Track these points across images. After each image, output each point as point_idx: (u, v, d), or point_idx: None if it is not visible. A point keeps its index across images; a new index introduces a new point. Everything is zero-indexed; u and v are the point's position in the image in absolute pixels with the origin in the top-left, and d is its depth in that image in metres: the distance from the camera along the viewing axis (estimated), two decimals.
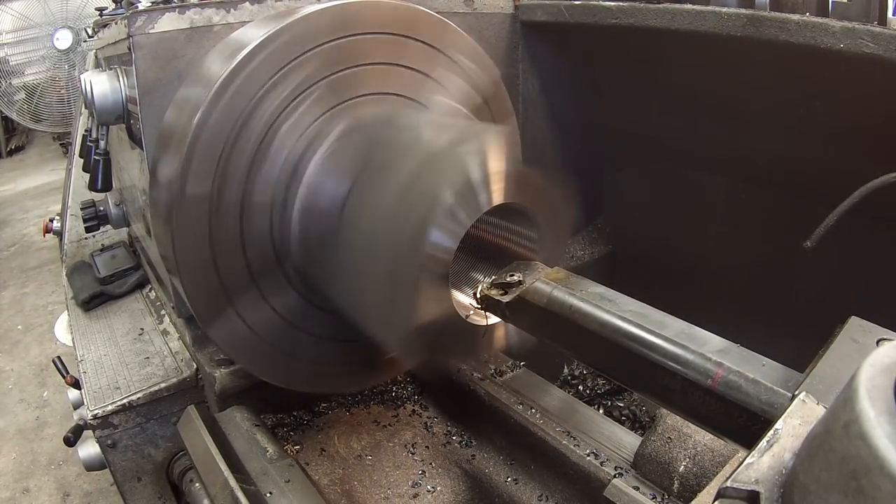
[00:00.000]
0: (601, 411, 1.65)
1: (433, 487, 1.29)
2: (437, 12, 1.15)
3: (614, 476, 1.16)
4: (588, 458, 1.21)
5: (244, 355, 1.17)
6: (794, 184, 1.53)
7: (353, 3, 1.06)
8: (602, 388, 1.79)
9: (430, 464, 1.34)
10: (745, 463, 0.45)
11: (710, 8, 1.32)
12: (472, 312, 0.94)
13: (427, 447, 1.37)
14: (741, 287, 1.72)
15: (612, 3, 1.42)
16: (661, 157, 1.76)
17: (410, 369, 1.42)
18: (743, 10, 1.30)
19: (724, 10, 1.31)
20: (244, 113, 0.99)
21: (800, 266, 1.57)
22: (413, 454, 1.36)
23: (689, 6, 1.34)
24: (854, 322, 0.64)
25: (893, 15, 1.52)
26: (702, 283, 1.76)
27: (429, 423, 1.43)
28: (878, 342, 0.61)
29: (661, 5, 1.36)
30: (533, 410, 1.30)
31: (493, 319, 0.93)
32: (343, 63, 1.03)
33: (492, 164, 0.84)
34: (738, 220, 1.71)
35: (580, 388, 1.80)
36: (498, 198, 0.86)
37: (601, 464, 1.19)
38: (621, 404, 1.74)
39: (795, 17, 1.24)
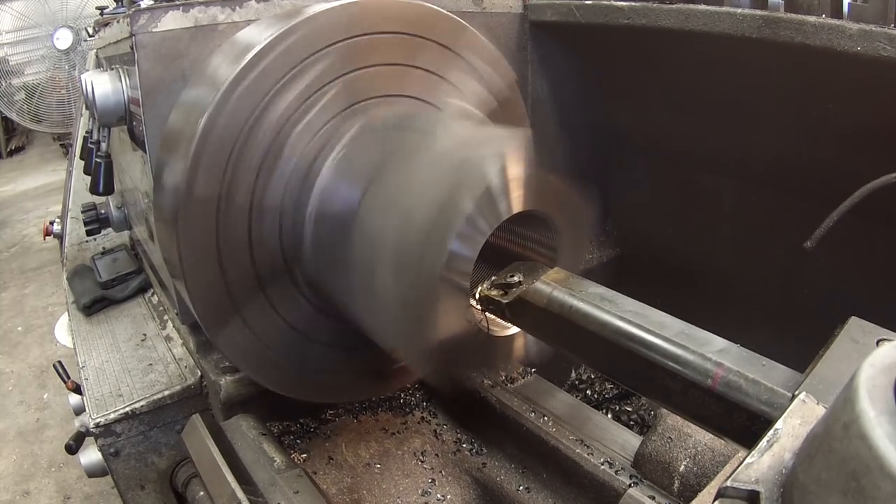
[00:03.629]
0: (609, 416, 1.61)
1: (443, 496, 1.25)
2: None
3: (629, 486, 1.12)
4: (602, 466, 1.17)
5: (250, 364, 1.12)
6: (806, 186, 1.50)
7: (362, 2, 1.01)
8: (610, 393, 1.75)
9: (440, 472, 1.30)
10: (745, 463, 0.44)
11: (724, 9, 1.28)
12: (490, 323, 0.89)
13: (437, 455, 1.33)
14: (748, 289, 1.68)
15: (625, 3, 1.38)
16: (671, 159, 1.72)
17: (421, 378, 1.38)
18: (758, 12, 1.26)
19: (740, 11, 1.27)
20: (253, 115, 0.94)
21: (804, 267, 1.55)
22: (422, 462, 1.32)
23: (703, 7, 1.29)
24: (854, 322, 0.62)
25: None
26: (710, 285, 1.73)
27: (438, 431, 1.39)
28: (878, 342, 0.59)
29: (674, 6, 1.32)
30: (545, 418, 1.26)
31: (513, 329, 0.89)
32: (354, 64, 0.98)
33: (511, 169, 0.80)
34: (747, 223, 1.67)
35: (588, 392, 1.76)
36: (518, 205, 0.82)
37: (616, 473, 1.15)
38: (629, 409, 1.70)
39: (812, 18, 1.21)
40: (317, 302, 1.10)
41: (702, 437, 1.10)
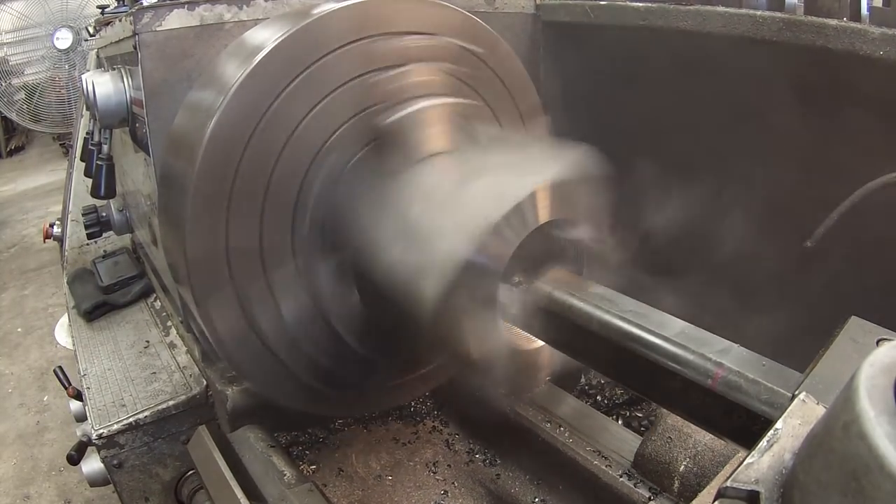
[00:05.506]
0: (619, 422, 1.56)
1: None
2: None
3: (649, 499, 1.08)
4: (621, 479, 1.12)
5: (260, 377, 1.06)
6: (819, 188, 1.46)
7: (377, 1, 0.95)
8: (620, 399, 1.70)
9: (453, 483, 1.24)
10: (745, 463, 0.43)
11: (744, 11, 1.24)
12: (517, 337, 0.84)
13: (449, 466, 1.28)
14: (750, 287, 1.65)
15: (641, 4, 1.33)
16: (683, 160, 1.68)
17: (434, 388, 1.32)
18: (779, 14, 1.21)
19: (759, 13, 1.22)
20: (264, 118, 0.88)
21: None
22: (435, 473, 1.26)
23: (721, 8, 1.25)
24: (854, 322, 0.61)
25: None
26: (714, 284, 1.69)
27: (450, 441, 1.33)
28: (878, 342, 0.58)
29: (692, 7, 1.27)
30: (561, 428, 1.21)
31: (539, 343, 0.84)
32: (371, 65, 0.92)
33: (538, 178, 0.75)
34: (754, 225, 1.63)
35: (598, 398, 1.71)
36: (545, 214, 0.77)
37: (635, 485, 1.10)
38: (640, 414, 1.65)
39: (833, 22, 1.17)
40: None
41: (702, 437, 1.08)
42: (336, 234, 0.93)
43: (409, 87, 0.97)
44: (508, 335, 0.83)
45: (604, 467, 1.13)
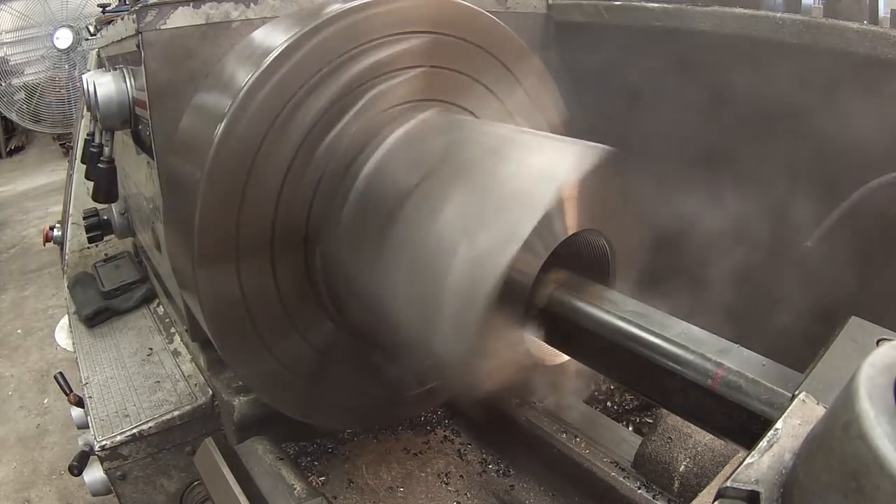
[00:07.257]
0: (630, 428, 1.52)
1: None
2: None
3: None
4: (639, 490, 1.07)
5: (269, 389, 1.01)
6: (831, 191, 1.42)
7: (391, 1, 0.90)
8: (630, 405, 1.66)
9: (466, 494, 1.19)
10: (745, 463, 0.43)
11: (763, 13, 1.19)
12: (542, 350, 0.79)
13: (461, 476, 1.23)
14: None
15: (657, 5, 1.28)
16: (695, 163, 1.63)
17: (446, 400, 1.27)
18: (798, 17, 1.17)
19: (779, 15, 1.18)
20: (276, 122, 0.83)
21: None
22: (447, 484, 1.21)
23: (740, 10, 1.20)
24: (854, 322, 0.60)
25: None
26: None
27: (462, 451, 1.28)
28: (878, 342, 0.57)
29: (710, 8, 1.22)
30: (577, 439, 1.16)
31: (564, 357, 0.79)
32: (388, 66, 0.87)
33: (569, 187, 0.70)
34: (759, 226, 1.59)
35: (608, 403, 1.66)
36: (573, 225, 0.72)
37: (654, 497, 1.06)
38: (650, 420, 1.60)
39: (854, 25, 1.12)
40: (341, 321, 0.98)
41: (702, 437, 1.05)
42: (355, 235, 0.87)
43: (425, 90, 0.92)
44: (533, 349, 0.78)
45: (622, 479, 1.09)
